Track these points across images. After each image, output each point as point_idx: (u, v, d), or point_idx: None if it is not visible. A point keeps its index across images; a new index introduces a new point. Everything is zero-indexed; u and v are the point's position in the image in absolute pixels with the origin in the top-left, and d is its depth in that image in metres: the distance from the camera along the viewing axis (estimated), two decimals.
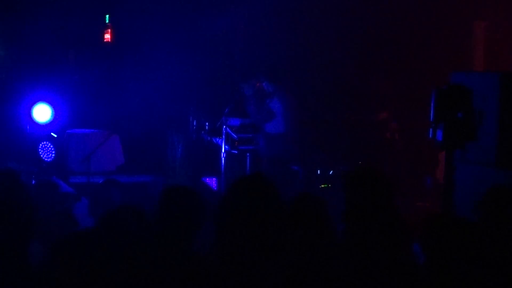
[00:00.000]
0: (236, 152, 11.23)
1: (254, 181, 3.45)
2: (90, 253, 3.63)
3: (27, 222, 3.85)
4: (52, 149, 11.84)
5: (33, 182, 10.12)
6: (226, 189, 3.51)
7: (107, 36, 14.14)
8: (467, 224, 3.67)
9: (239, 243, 3.26)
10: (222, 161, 10.94)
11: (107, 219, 4.18)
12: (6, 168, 4.02)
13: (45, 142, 11.86)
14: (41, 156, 11.80)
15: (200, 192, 4.36)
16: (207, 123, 11.63)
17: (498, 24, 12.51)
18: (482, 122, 7.19)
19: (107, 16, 13.97)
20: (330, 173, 11.99)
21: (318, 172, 11.95)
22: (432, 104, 6.51)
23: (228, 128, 11.00)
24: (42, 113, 11.80)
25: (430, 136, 6.50)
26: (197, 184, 11.60)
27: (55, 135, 11.93)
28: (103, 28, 14.10)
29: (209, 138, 11.60)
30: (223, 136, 10.91)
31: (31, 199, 3.94)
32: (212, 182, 11.75)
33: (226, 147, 10.96)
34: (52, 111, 11.85)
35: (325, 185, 11.92)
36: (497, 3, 12.31)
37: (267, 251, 3.32)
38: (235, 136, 11.19)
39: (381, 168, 11.57)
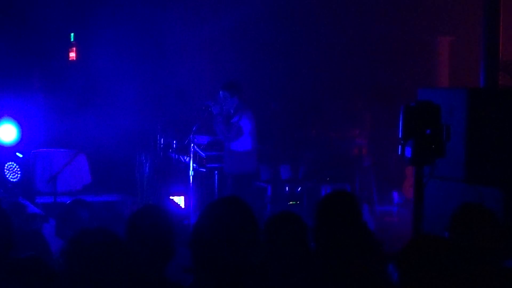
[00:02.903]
0: (204, 170, 11.20)
1: (229, 205, 3.41)
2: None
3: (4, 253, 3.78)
4: (18, 169, 11.71)
5: None
6: (200, 214, 3.47)
7: (72, 55, 14.06)
8: (443, 243, 3.68)
9: (217, 268, 3.23)
10: (190, 179, 10.87)
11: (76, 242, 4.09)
12: None
13: (10, 163, 11.73)
14: (7, 176, 11.67)
15: (169, 212, 4.28)
16: (174, 141, 11.58)
17: (462, 39, 12.64)
18: (449, 138, 7.24)
19: (72, 34, 13.89)
20: (298, 189, 12.00)
21: (287, 189, 11.96)
22: (400, 121, 6.53)
23: (195, 146, 10.96)
24: (7, 133, 11.67)
25: (399, 153, 6.52)
26: (165, 203, 11.53)
27: (21, 155, 11.80)
28: (68, 46, 14.02)
29: (176, 156, 11.55)
30: (191, 154, 10.85)
31: (12, 233, 3.86)
32: (180, 200, 11.69)
33: (194, 165, 10.91)
34: (18, 131, 11.73)
35: (294, 202, 11.92)
36: (461, 19, 12.45)
37: (246, 275, 3.29)
38: (202, 154, 11.15)
39: (350, 188, 11.65)
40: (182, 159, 11.36)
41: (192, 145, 10.87)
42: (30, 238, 6.01)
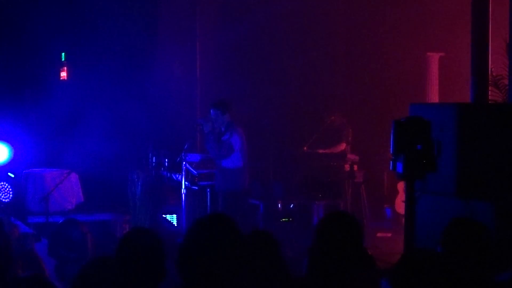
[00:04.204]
0: (196, 188, 11.21)
1: (214, 222, 3.43)
2: None
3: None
4: (10, 189, 11.71)
5: None
6: (186, 232, 3.48)
7: (64, 74, 14.07)
8: (435, 257, 3.69)
9: (205, 285, 3.24)
10: (182, 197, 10.89)
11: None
12: None
13: (2, 183, 11.72)
14: None
15: (159, 234, 4.26)
16: (166, 160, 11.60)
17: (452, 55, 12.70)
18: (440, 153, 7.27)
19: (63, 54, 13.90)
20: (291, 206, 12.00)
21: (279, 206, 11.95)
22: (391, 137, 6.56)
23: (187, 164, 10.98)
24: None
25: (391, 168, 6.55)
26: (158, 221, 11.53)
27: (13, 175, 11.79)
28: (59, 66, 14.03)
29: (168, 174, 11.56)
30: (183, 172, 10.87)
31: (11, 250, 3.87)
32: (172, 218, 11.69)
33: (186, 183, 10.93)
34: (9, 151, 11.73)
35: (286, 219, 11.92)
36: (450, 35, 12.52)
37: None
38: (194, 172, 11.17)
39: (342, 205, 11.67)
40: (174, 177, 11.38)
41: (184, 163, 10.89)
42: (24, 258, 6.00)
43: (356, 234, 4.27)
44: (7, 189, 11.72)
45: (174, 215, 11.80)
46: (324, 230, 4.27)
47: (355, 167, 12.20)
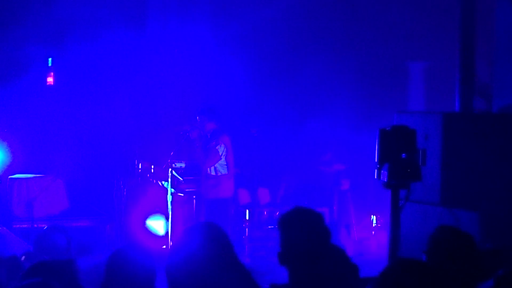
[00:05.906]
0: (182, 194, 11.20)
1: (203, 231, 3.42)
2: None
3: None
4: None
5: None
6: (174, 241, 3.48)
7: (50, 79, 14.02)
8: (421, 266, 3.70)
9: None
10: (168, 204, 10.87)
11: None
12: None
13: None
14: None
15: (146, 251, 4.19)
16: (152, 166, 11.57)
17: (437, 64, 12.75)
18: (425, 162, 7.30)
19: (50, 59, 13.87)
20: (277, 214, 11.99)
21: (265, 213, 11.96)
22: (376, 145, 6.58)
23: (173, 171, 10.97)
24: None
25: (376, 176, 6.56)
26: (143, 229, 11.50)
27: None
28: (46, 71, 13.99)
29: (154, 181, 11.54)
30: (169, 179, 10.86)
31: None
32: (158, 225, 11.65)
33: (172, 189, 10.92)
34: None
35: (272, 226, 11.91)
36: (435, 44, 12.57)
37: None
38: (181, 178, 11.16)
39: (328, 212, 11.67)
40: (160, 183, 11.36)
41: (170, 169, 10.88)
42: (8, 265, 5.98)
43: (319, 228, 4.27)
44: None
45: (160, 222, 11.74)
46: (284, 227, 4.27)
47: (341, 175, 12.23)
